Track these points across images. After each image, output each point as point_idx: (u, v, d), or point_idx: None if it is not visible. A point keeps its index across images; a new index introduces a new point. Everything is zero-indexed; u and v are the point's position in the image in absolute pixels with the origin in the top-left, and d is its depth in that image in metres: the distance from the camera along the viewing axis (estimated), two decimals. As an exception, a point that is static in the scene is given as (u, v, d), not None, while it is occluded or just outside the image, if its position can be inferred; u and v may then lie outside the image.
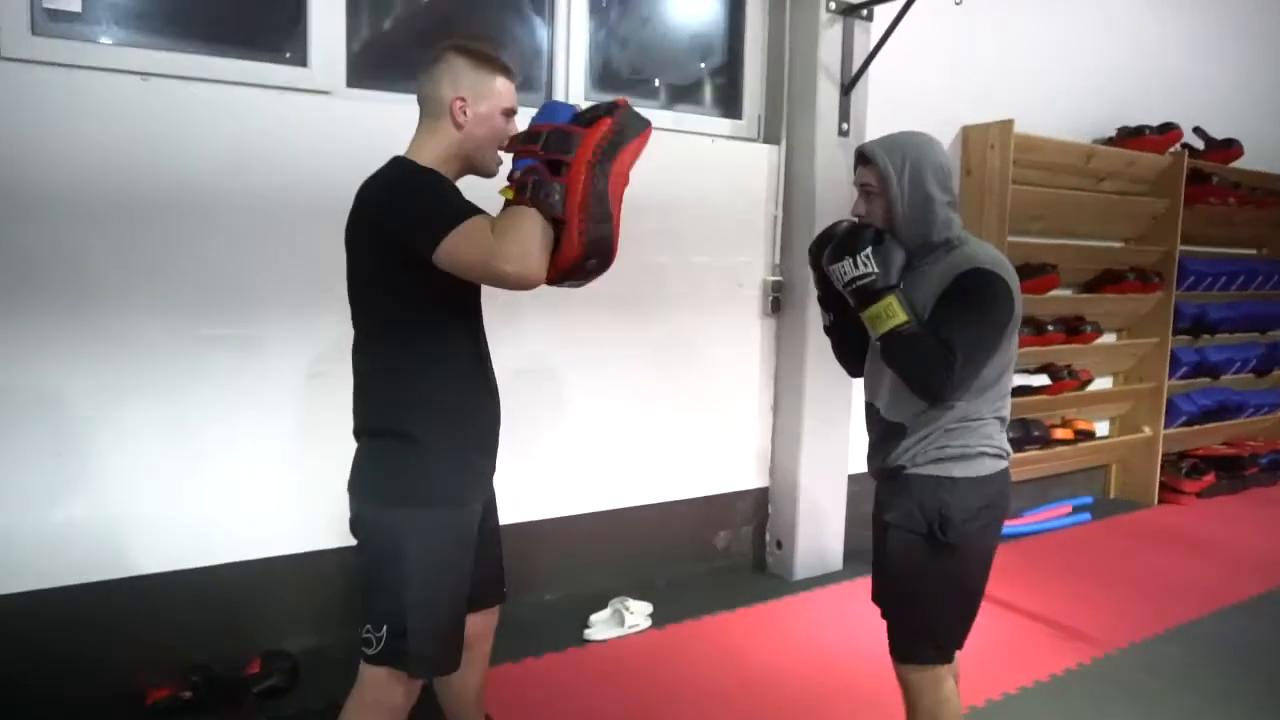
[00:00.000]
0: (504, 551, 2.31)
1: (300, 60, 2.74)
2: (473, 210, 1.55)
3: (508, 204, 1.57)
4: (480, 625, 1.95)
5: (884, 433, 1.88)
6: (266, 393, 2.66)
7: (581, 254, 1.54)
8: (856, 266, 1.74)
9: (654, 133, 3.11)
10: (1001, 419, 1.85)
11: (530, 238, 1.50)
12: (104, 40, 2.50)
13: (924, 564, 1.80)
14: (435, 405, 1.67)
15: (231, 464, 2.63)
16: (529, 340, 3.13)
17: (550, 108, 1.64)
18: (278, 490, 2.71)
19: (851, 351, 2.04)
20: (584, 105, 1.64)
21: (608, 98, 3.33)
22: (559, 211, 1.51)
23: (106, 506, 2.49)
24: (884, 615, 1.92)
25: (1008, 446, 1.86)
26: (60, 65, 2.37)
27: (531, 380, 3.15)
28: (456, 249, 1.50)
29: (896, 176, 1.77)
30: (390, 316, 1.66)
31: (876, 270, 1.72)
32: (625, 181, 1.59)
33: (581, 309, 3.20)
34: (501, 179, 1.66)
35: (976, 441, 1.79)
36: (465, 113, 1.67)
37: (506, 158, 1.70)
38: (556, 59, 3.24)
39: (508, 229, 1.50)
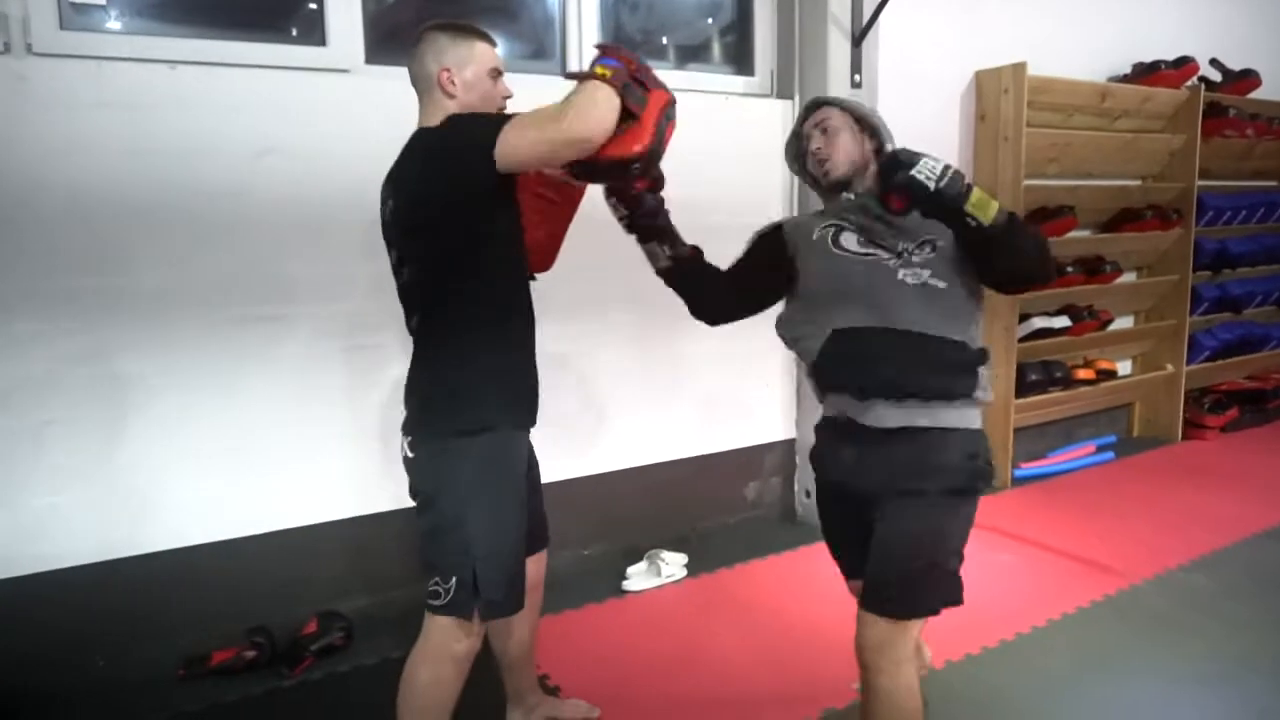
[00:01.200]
0: (545, 508, 2.41)
1: (319, 40, 2.79)
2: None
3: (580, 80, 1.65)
4: (532, 571, 1.98)
5: (933, 358, 1.74)
6: (305, 368, 2.75)
7: (642, 151, 1.63)
8: (938, 160, 1.65)
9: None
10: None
11: (603, 103, 1.58)
12: (130, 31, 2.56)
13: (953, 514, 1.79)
14: (487, 347, 1.76)
15: (280, 436, 2.73)
16: (561, 307, 3.19)
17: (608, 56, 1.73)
18: (324, 459, 2.81)
19: (707, 291, 2.14)
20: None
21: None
22: (641, 106, 1.63)
23: (166, 481, 2.60)
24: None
25: None
26: (89, 58, 2.43)
27: (565, 345, 3.22)
28: (520, 135, 1.60)
29: (866, 118, 1.88)
30: (445, 262, 1.73)
31: (951, 166, 1.65)
32: (665, 141, 1.71)
33: (607, 271, 3.26)
34: None
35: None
36: (454, 81, 1.77)
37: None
38: (569, 25, 3.27)
39: (578, 97, 1.59)
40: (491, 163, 1.61)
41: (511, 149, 1.60)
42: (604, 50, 1.70)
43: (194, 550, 2.65)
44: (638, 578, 3.15)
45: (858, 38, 3.54)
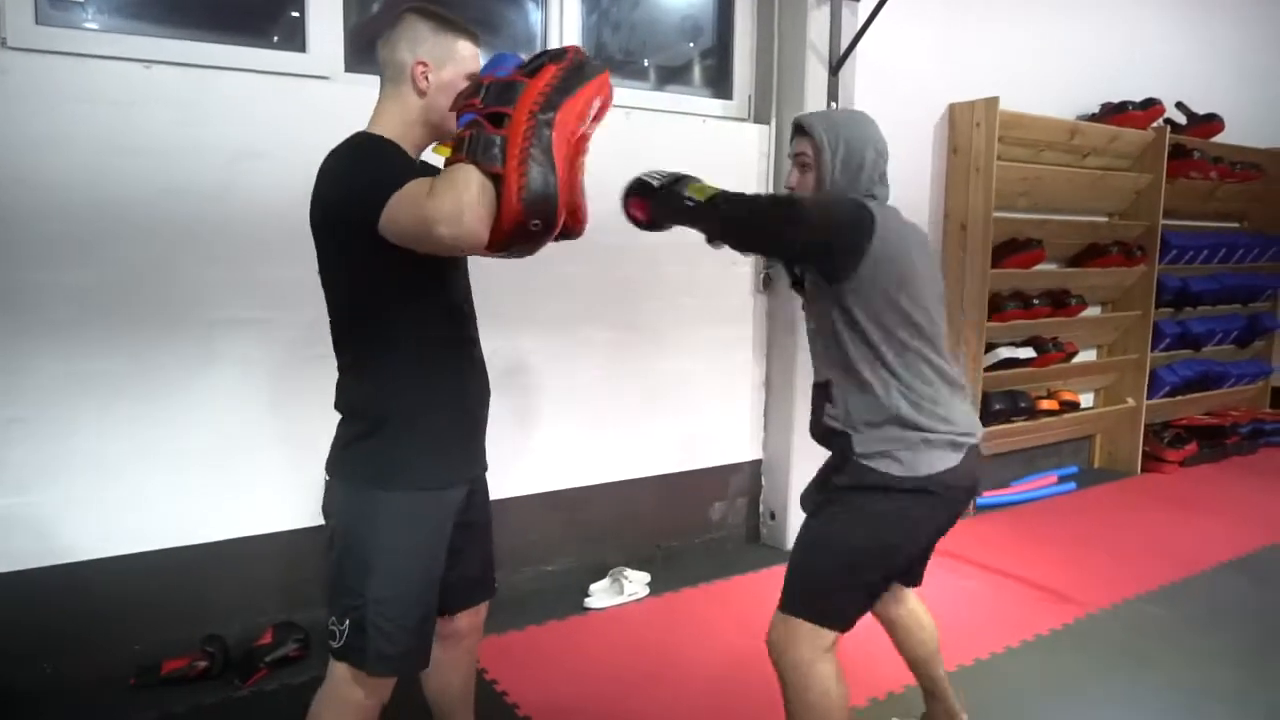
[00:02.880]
0: (508, 524, 2.37)
1: (299, 46, 2.79)
2: (415, 175, 1.44)
3: (446, 162, 1.43)
4: (467, 622, 1.87)
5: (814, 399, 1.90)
6: (273, 373, 2.73)
7: (521, 211, 1.35)
8: (654, 179, 1.84)
9: (645, 113, 3.16)
10: (939, 386, 1.81)
11: (465, 195, 1.32)
12: (107, 28, 2.54)
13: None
14: (406, 385, 1.58)
15: (241, 443, 2.70)
16: (526, 320, 3.20)
17: (497, 59, 1.54)
18: (289, 466, 2.78)
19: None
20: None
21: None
22: (498, 165, 1.34)
23: (119, 484, 2.55)
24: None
25: (958, 418, 1.81)
26: (64, 54, 2.41)
27: (530, 359, 3.22)
28: (395, 214, 1.39)
29: (831, 151, 1.81)
30: (356, 294, 1.59)
31: (672, 171, 1.83)
32: (577, 134, 1.44)
33: (577, 288, 3.27)
34: None
35: (901, 417, 1.79)
36: (427, 78, 1.59)
37: None
38: (550, 42, 3.29)
39: (441, 187, 1.35)
40: (375, 227, 1.42)
41: (391, 226, 1.41)
42: (457, 105, 1.49)
43: (153, 555, 2.60)
44: (600, 595, 3.14)
45: (835, 66, 3.60)
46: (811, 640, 1.78)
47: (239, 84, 2.63)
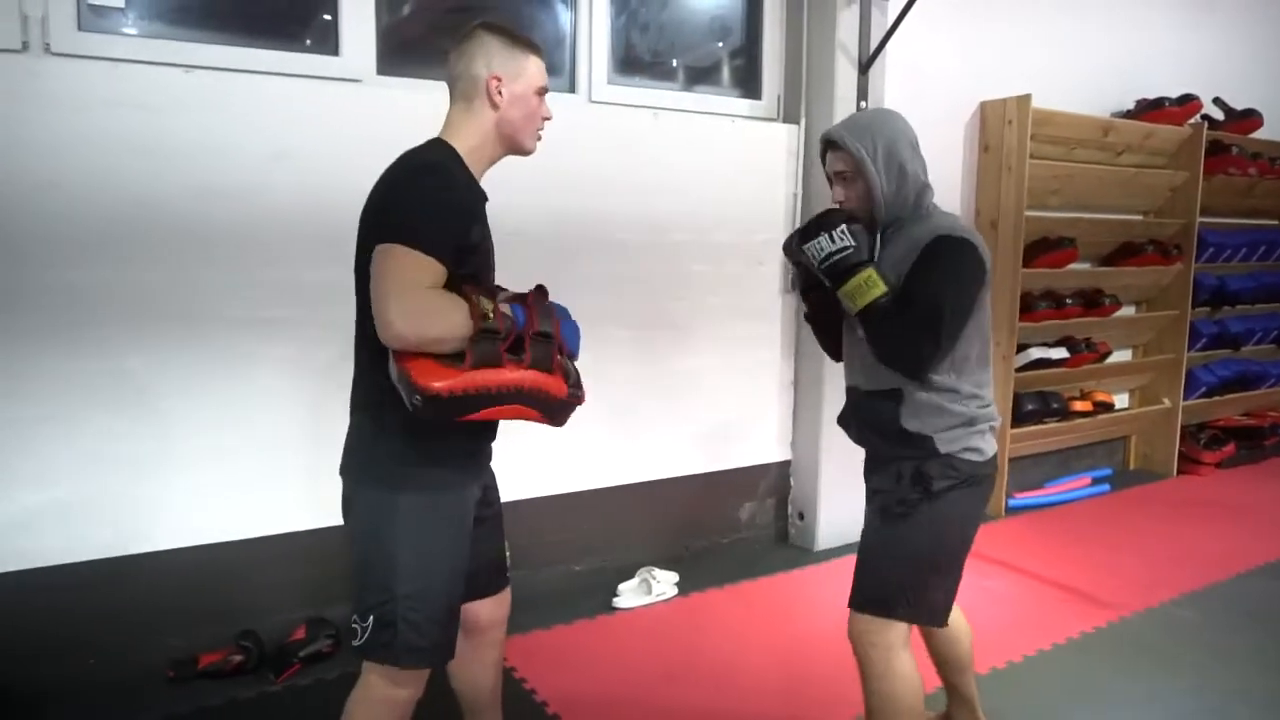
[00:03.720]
0: (536, 523, 2.38)
1: (333, 49, 2.82)
2: (444, 252, 1.46)
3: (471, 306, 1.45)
4: (490, 612, 1.89)
5: (870, 407, 1.89)
6: (306, 372, 2.76)
7: (433, 393, 1.39)
8: (833, 241, 1.75)
9: (674, 114, 3.17)
10: (982, 396, 1.85)
11: (444, 336, 1.40)
12: (147, 34, 2.59)
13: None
14: None
15: (272, 441, 2.74)
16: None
17: (574, 329, 1.65)
18: (322, 464, 2.81)
19: (833, 340, 2.07)
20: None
21: (630, 81, 3.44)
22: (471, 363, 1.42)
23: (152, 482, 2.60)
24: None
25: (994, 419, 1.87)
26: (106, 59, 2.46)
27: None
28: (383, 262, 1.43)
29: (871, 158, 1.77)
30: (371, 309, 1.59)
31: (853, 244, 1.73)
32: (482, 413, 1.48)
33: (604, 287, 3.29)
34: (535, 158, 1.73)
35: (970, 415, 1.81)
36: (501, 92, 1.62)
37: (542, 137, 1.74)
38: (579, 44, 3.31)
39: (442, 310, 1.42)
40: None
41: (376, 262, 1.45)
42: (532, 298, 1.56)
43: (188, 551, 2.65)
44: (628, 595, 3.15)
45: (864, 65, 3.58)
46: (897, 633, 1.85)
47: (273, 87, 2.67)
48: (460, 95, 1.66)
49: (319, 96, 2.74)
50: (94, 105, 2.44)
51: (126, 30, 2.56)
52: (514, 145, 1.70)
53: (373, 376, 1.63)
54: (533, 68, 1.67)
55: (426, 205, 1.51)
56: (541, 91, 1.70)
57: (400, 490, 1.60)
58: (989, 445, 1.85)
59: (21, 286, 2.40)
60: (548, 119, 1.74)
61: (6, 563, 2.43)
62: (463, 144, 1.64)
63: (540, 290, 1.59)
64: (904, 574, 1.83)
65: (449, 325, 1.41)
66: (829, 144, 1.86)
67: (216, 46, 2.64)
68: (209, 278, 2.62)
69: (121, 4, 2.53)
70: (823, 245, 1.76)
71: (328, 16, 2.84)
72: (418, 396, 1.40)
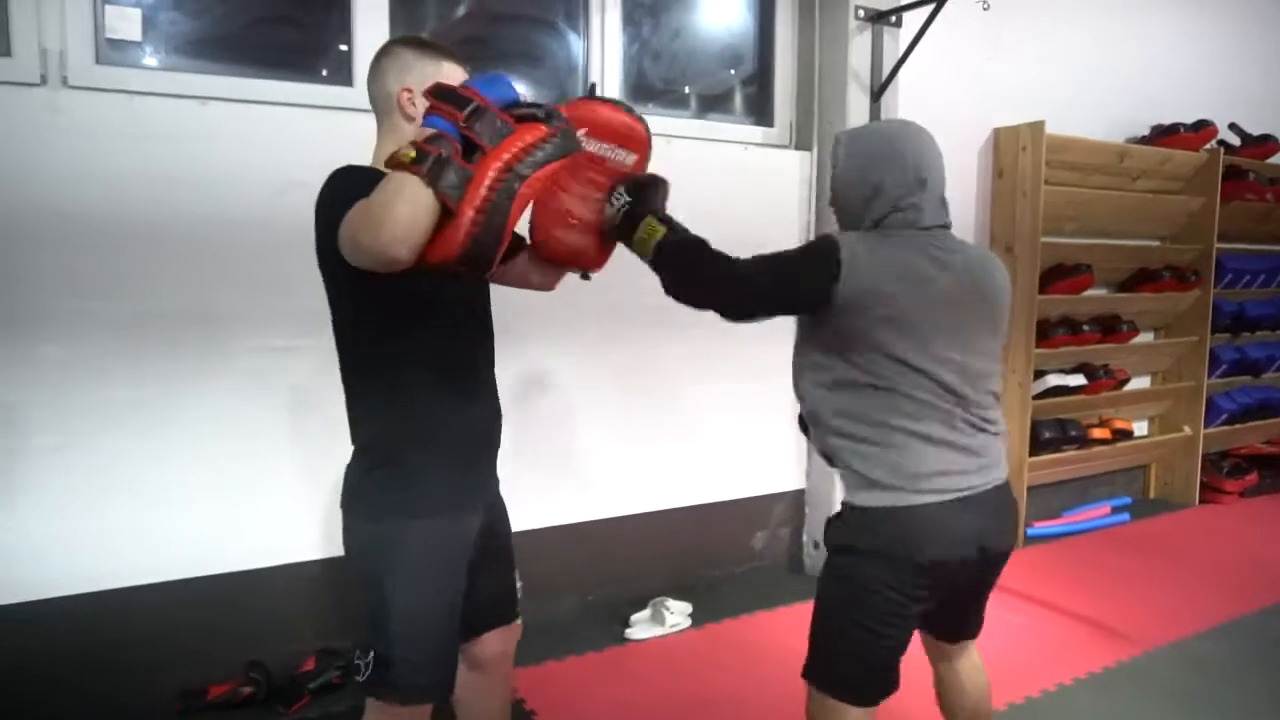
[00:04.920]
0: (548, 553, 2.34)
1: (346, 80, 2.85)
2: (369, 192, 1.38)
3: (391, 164, 1.33)
4: (497, 644, 1.85)
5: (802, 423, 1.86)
6: (317, 401, 2.76)
7: (457, 255, 1.30)
8: (613, 204, 1.72)
9: (687, 141, 3.17)
10: (919, 433, 1.61)
11: (399, 208, 1.27)
12: (164, 67, 2.62)
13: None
14: (398, 415, 1.58)
15: (289, 469, 2.73)
16: (562, 346, 3.21)
17: (493, 79, 1.41)
18: (326, 494, 2.80)
19: None
20: (527, 95, 1.48)
21: (642, 109, 3.44)
22: (453, 200, 1.28)
23: (173, 510, 2.60)
24: None
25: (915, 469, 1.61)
26: (123, 92, 2.49)
27: (570, 386, 3.23)
28: (342, 232, 1.39)
29: (834, 165, 1.77)
30: (345, 324, 1.62)
31: (627, 199, 1.69)
32: (526, 205, 1.39)
33: (620, 315, 3.28)
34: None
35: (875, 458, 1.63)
36: (414, 103, 1.57)
37: None
38: (592, 72, 3.32)
39: (377, 196, 1.31)
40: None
41: (340, 240, 1.40)
42: (434, 101, 1.37)
43: (197, 582, 2.63)
44: (641, 626, 3.11)
45: (877, 92, 3.58)
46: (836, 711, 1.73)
47: (289, 118, 2.69)
48: (381, 113, 1.64)
49: (334, 126, 2.75)
50: (111, 137, 2.46)
51: (143, 63, 2.59)
52: None
53: (357, 407, 1.64)
54: (448, 73, 1.60)
55: (349, 182, 1.48)
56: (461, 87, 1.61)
57: (388, 522, 1.58)
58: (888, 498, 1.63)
59: (38, 315, 2.42)
60: None
61: (17, 593, 2.42)
62: (379, 163, 1.57)
63: (436, 87, 1.40)
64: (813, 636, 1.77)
65: (398, 194, 1.28)
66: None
67: (232, 78, 2.67)
68: (225, 307, 2.63)
69: (139, 37, 2.56)
70: (607, 214, 1.72)
71: (343, 47, 2.86)
72: (461, 269, 1.33)
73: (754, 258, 1.67)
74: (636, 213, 1.70)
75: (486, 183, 1.29)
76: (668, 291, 1.72)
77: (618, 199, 1.72)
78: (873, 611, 1.64)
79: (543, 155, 1.34)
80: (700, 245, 1.70)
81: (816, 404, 1.72)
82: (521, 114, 1.37)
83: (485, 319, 1.75)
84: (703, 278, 1.67)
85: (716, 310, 1.68)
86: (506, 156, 1.31)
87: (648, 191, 1.73)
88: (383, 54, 1.64)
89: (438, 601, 1.60)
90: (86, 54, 2.47)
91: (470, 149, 1.32)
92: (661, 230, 1.69)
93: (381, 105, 1.63)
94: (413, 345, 1.59)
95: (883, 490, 1.62)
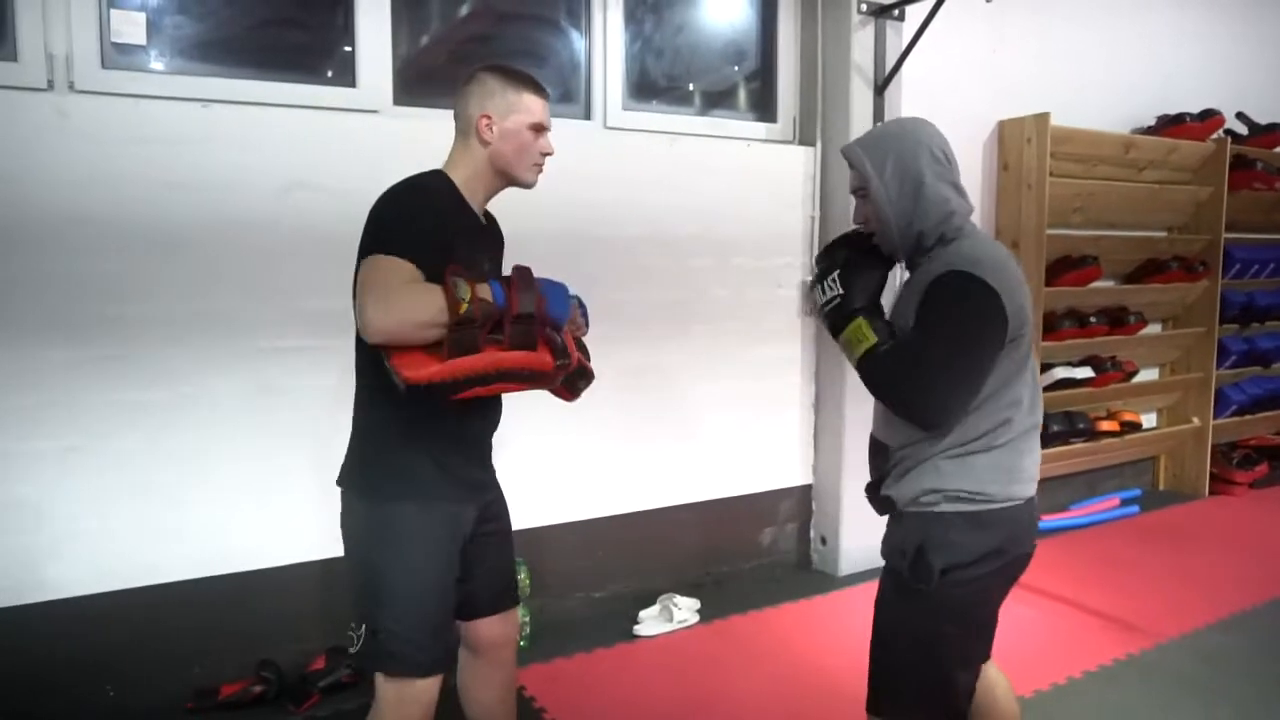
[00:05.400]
0: (556, 550, 2.34)
1: (350, 81, 2.85)
2: (419, 252, 1.52)
3: (449, 284, 1.48)
4: (495, 630, 1.89)
5: (875, 458, 1.76)
6: (324, 403, 2.77)
7: (414, 382, 1.46)
8: (824, 293, 1.69)
9: (690, 138, 3.17)
10: (1010, 441, 1.62)
11: (415, 318, 1.45)
12: (169, 70, 2.63)
13: (896, 605, 1.69)
14: (402, 405, 1.61)
15: (297, 468, 2.74)
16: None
17: (557, 296, 1.60)
18: (337, 495, 2.81)
19: None
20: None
21: (645, 106, 3.45)
22: (453, 354, 1.46)
23: (183, 511, 2.61)
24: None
25: (1025, 470, 1.64)
26: (128, 96, 2.50)
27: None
28: (363, 271, 1.52)
29: (879, 174, 1.63)
30: None
31: (841, 293, 1.65)
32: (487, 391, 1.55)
33: (626, 314, 3.28)
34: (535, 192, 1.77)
35: (980, 475, 1.60)
36: (491, 129, 1.71)
37: (543, 173, 1.79)
38: (594, 70, 3.32)
39: (411, 296, 1.47)
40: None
41: (357, 275, 1.55)
42: (514, 277, 1.55)
43: (209, 581, 2.65)
44: (649, 622, 3.12)
45: (880, 86, 3.58)
46: None
47: (292, 119, 2.70)
48: (459, 131, 1.77)
49: (337, 127, 2.76)
50: (118, 141, 2.48)
51: (149, 67, 2.60)
52: (510, 178, 1.77)
53: (364, 390, 1.73)
54: (529, 104, 1.74)
55: (398, 213, 1.61)
56: (536, 128, 1.75)
57: (385, 501, 1.67)
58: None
59: (50, 319, 2.43)
60: (548, 154, 1.79)
61: (32, 593, 2.44)
62: (457, 174, 1.74)
63: (521, 270, 1.58)
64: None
65: (423, 312, 1.45)
66: (847, 161, 1.73)
67: (236, 81, 2.68)
68: (232, 308, 2.64)
69: (144, 41, 2.57)
70: (816, 299, 1.74)
71: (347, 49, 2.87)
72: (402, 385, 1.47)
73: (932, 355, 1.53)
74: (849, 311, 1.65)
75: (478, 368, 1.49)
76: (874, 394, 1.67)
77: (830, 288, 1.68)
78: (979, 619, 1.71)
79: (527, 381, 1.56)
80: (901, 357, 1.58)
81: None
82: (553, 340, 1.57)
83: None
84: (907, 396, 1.58)
85: (921, 423, 1.60)
86: (505, 363, 1.51)
87: (863, 281, 1.66)
88: (470, 79, 1.76)
89: (427, 578, 1.68)
90: (92, 58, 2.49)
91: (500, 328, 1.51)
92: (871, 340, 1.61)
93: (461, 125, 1.76)
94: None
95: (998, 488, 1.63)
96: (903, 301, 1.67)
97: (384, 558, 1.65)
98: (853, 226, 1.77)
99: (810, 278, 1.80)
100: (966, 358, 1.54)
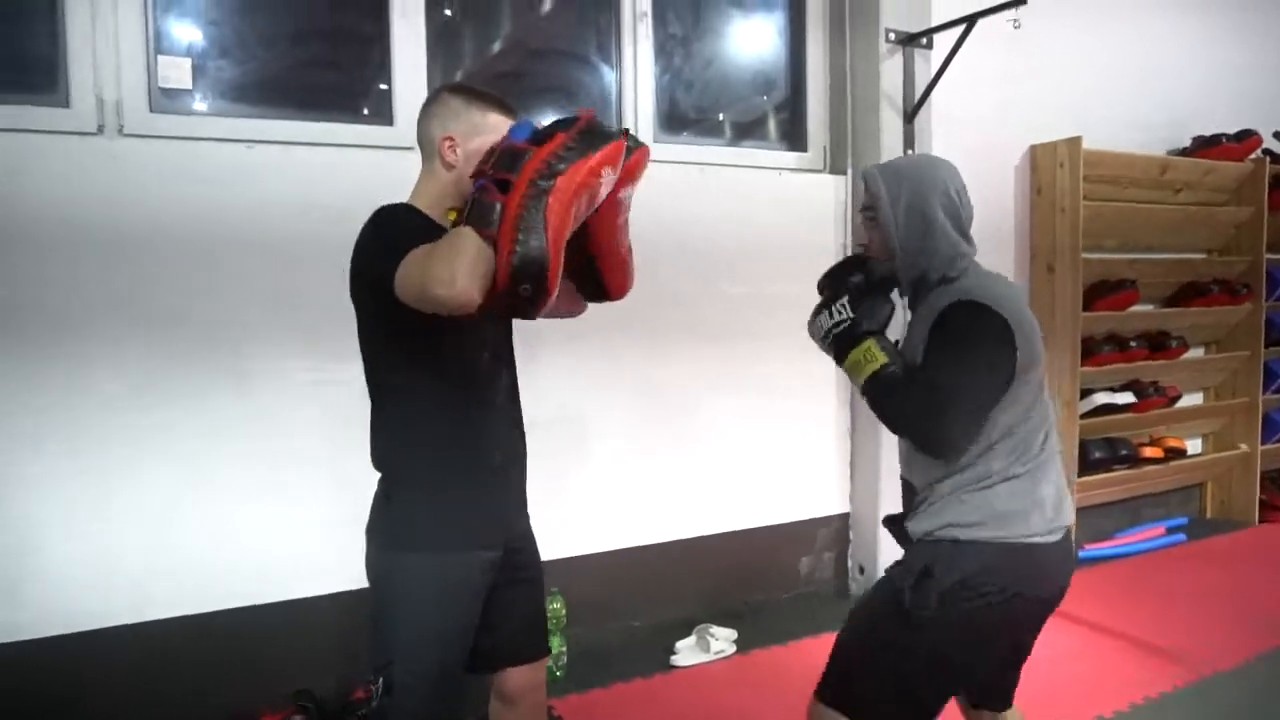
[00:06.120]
0: (592, 580, 2.32)
1: (388, 119, 2.92)
2: (427, 239, 1.46)
3: (451, 225, 1.46)
4: (522, 680, 1.84)
5: (906, 496, 1.76)
6: (359, 432, 2.81)
7: (510, 277, 1.37)
8: (831, 316, 1.68)
9: (722, 169, 3.16)
10: (1029, 471, 1.61)
11: (460, 258, 1.35)
12: (213, 112, 2.72)
13: (883, 616, 1.65)
14: (419, 447, 1.63)
15: (334, 496, 2.77)
16: (606, 371, 3.24)
17: (517, 127, 1.49)
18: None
19: None
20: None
21: (676, 139, 3.49)
22: (493, 230, 1.37)
23: (221, 540, 2.65)
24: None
25: (1046, 499, 1.61)
26: (176, 138, 2.59)
27: (615, 412, 3.25)
28: (403, 278, 1.43)
29: (891, 202, 1.65)
30: (376, 355, 1.66)
31: (849, 316, 1.65)
32: (584, 199, 1.43)
33: (662, 341, 3.30)
34: None
35: (997, 505, 1.59)
36: (455, 151, 1.63)
37: None
38: (625, 103, 3.38)
39: (439, 250, 1.39)
40: (390, 291, 1.45)
41: (400, 290, 1.44)
42: (475, 170, 1.46)
43: (248, 610, 2.68)
44: (686, 652, 3.10)
45: (910, 114, 3.59)
46: None
47: (331, 158, 2.77)
48: (425, 157, 1.70)
49: (375, 165, 2.82)
50: (165, 182, 2.56)
51: (194, 109, 2.69)
52: None
53: (380, 436, 1.69)
54: (494, 123, 1.63)
55: (391, 232, 1.56)
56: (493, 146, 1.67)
57: (401, 552, 1.63)
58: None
59: (101, 356, 2.50)
60: None
61: (63, 624, 2.48)
62: (421, 202, 1.67)
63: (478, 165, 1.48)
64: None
65: (453, 247, 1.37)
66: (864, 181, 1.76)
67: (277, 121, 2.76)
68: (275, 344, 2.70)
69: (189, 85, 2.66)
70: (822, 323, 1.71)
71: (384, 86, 2.95)
72: (524, 288, 1.38)
73: (944, 378, 1.54)
74: (858, 333, 1.64)
75: (515, 202, 1.36)
76: (880, 418, 1.66)
77: (839, 312, 1.67)
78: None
79: (565, 155, 1.39)
80: (910, 380, 1.59)
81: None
82: (541, 135, 1.43)
83: (505, 352, 1.78)
84: (915, 419, 1.58)
85: (931, 449, 1.59)
86: (530, 172, 1.37)
87: (873, 307, 1.67)
88: (432, 100, 1.70)
89: (438, 632, 1.64)
90: (141, 103, 2.58)
91: (503, 186, 1.39)
92: (881, 359, 1.60)
93: (425, 148, 1.69)
94: (430, 379, 1.63)
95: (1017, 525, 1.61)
96: (910, 336, 1.67)
97: (398, 612, 1.63)
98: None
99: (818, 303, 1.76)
100: (976, 384, 1.54)
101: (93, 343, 2.50)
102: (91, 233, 2.48)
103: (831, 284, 1.74)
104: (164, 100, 2.63)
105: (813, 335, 1.76)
